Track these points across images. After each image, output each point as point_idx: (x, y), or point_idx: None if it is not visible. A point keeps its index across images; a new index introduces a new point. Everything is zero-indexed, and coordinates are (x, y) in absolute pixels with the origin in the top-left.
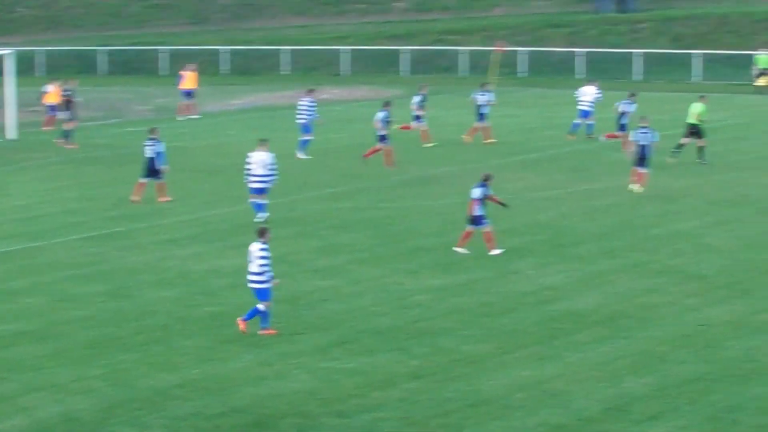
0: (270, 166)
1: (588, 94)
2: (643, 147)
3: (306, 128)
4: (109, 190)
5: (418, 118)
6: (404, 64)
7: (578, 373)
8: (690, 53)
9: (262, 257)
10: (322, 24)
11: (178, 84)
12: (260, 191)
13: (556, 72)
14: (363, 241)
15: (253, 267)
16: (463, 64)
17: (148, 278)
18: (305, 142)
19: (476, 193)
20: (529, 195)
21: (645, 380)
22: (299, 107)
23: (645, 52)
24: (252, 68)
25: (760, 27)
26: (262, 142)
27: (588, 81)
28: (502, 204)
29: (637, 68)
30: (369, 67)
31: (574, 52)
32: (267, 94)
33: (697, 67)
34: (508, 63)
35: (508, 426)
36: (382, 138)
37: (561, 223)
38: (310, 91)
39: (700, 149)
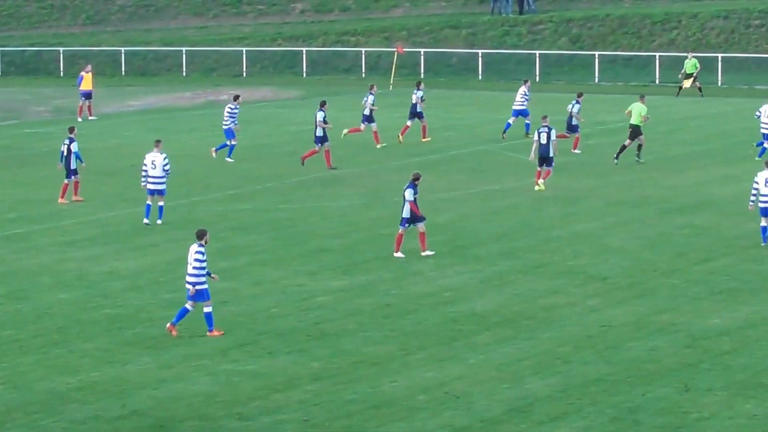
0: (163, 167)
1: (519, 93)
2: (543, 146)
3: (230, 133)
4: (7, 191)
5: (369, 118)
6: (304, 64)
7: (480, 375)
8: (590, 54)
9: (197, 259)
10: (221, 25)
11: (78, 85)
12: (157, 192)
13: (455, 73)
14: (264, 243)
15: (189, 268)
16: (363, 65)
17: (46, 280)
18: (231, 147)
19: (410, 194)
20: (428, 196)
21: (548, 381)
22: (226, 112)
23: (545, 53)
24: (151, 69)
25: (658, 28)
26: (157, 143)
27: (523, 81)
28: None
29: (537, 69)
30: (269, 68)
31: (474, 53)
32: (166, 96)
33: (597, 68)
34: (408, 64)
35: (411, 428)
36: (320, 139)
37: (461, 224)
38: (237, 97)
39: (623, 149)
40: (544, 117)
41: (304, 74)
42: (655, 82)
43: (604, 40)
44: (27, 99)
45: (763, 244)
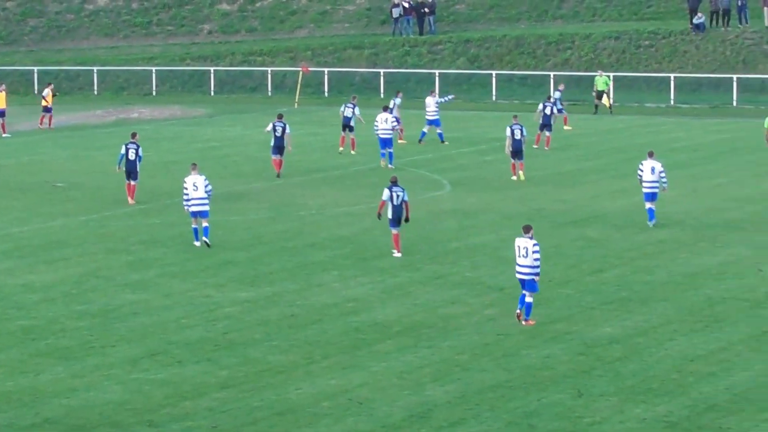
0: (205, 188)
1: (430, 104)
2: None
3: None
4: None
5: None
6: (212, 84)
7: (382, 382)
8: (487, 73)
9: (536, 251)
10: (131, 45)
11: None
12: (201, 214)
13: (358, 91)
14: (173, 256)
15: (528, 261)
16: (270, 84)
17: None
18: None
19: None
20: (331, 210)
21: (447, 388)
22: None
23: (444, 72)
24: (63, 88)
25: (553, 48)
26: (194, 166)
27: (429, 92)
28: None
29: (437, 88)
30: (177, 87)
31: (377, 72)
32: (78, 114)
33: (494, 87)
34: (313, 83)
35: None
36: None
37: (363, 237)
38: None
39: None
40: (515, 116)
41: (212, 93)
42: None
43: (501, 60)
44: None
45: (649, 224)
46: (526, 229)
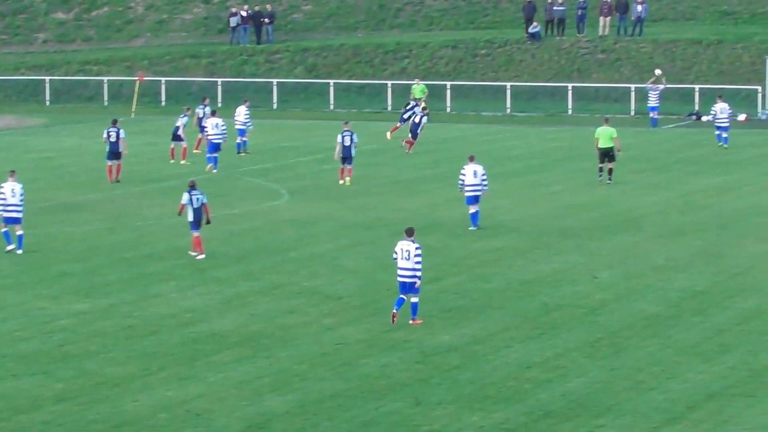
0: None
1: (240, 114)
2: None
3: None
4: None
5: (180, 138)
6: (47, 93)
7: (220, 392)
8: (325, 82)
9: (418, 254)
10: None
11: None
12: (15, 221)
13: (195, 101)
14: (6, 268)
15: (410, 263)
16: (106, 93)
17: None
18: None
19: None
20: (168, 221)
21: (285, 398)
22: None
23: (282, 82)
24: None
25: (390, 57)
26: (12, 173)
27: (242, 101)
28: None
29: (275, 97)
30: (12, 97)
31: (214, 81)
32: None
33: (332, 96)
34: (150, 92)
35: None
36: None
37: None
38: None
39: (610, 171)
40: (346, 122)
41: (48, 103)
42: (387, 109)
43: (339, 69)
44: None
45: (471, 228)
46: (409, 233)
